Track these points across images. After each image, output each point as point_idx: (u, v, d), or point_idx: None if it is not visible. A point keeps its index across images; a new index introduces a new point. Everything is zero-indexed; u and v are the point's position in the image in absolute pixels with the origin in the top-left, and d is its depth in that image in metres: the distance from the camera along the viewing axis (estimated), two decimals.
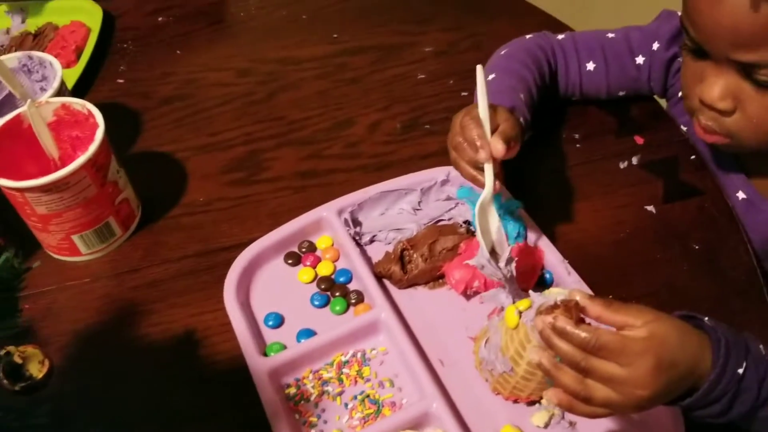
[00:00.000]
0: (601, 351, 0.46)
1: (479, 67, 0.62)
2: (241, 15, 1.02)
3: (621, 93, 0.80)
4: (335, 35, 0.96)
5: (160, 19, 1.03)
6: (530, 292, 0.54)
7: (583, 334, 0.46)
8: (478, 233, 0.60)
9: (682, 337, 0.47)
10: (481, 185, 0.61)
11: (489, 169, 0.60)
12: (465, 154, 0.62)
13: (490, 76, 0.75)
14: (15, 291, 0.52)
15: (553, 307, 0.48)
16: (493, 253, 0.61)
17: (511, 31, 0.83)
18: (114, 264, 0.73)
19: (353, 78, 0.90)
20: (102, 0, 1.02)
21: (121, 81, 0.94)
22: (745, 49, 0.57)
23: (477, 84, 0.61)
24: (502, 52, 0.79)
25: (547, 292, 0.52)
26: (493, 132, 0.60)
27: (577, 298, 0.48)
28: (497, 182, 0.60)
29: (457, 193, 0.72)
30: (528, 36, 0.81)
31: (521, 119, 0.70)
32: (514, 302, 0.57)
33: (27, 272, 0.53)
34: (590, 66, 0.79)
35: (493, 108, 0.62)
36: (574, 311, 0.47)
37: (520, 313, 0.52)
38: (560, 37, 0.81)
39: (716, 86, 0.61)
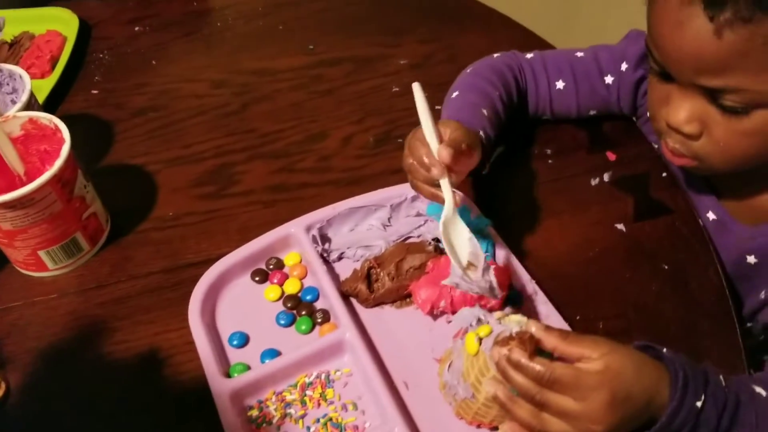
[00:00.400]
0: (555, 384, 0.45)
1: (416, 85, 0.62)
2: (218, 25, 1.02)
3: (592, 112, 0.80)
4: (311, 46, 0.95)
5: (136, 28, 1.02)
6: (489, 320, 0.53)
7: (538, 368, 0.45)
8: (448, 251, 0.59)
9: (639, 370, 0.47)
10: (442, 202, 0.60)
11: (445, 184, 0.60)
12: (419, 175, 0.62)
13: (453, 94, 0.75)
14: None
15: (509, 338, 0.48)
16: (470, 266, 0.60)
17: (486, 44, 0.83)
18: (81, 279, 0.72)
19: (328, 90, 0.89)
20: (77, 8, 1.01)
21: (95, 91, 0.93)
22: (709, 74, 0.56)
23: (416, 102, 0.61)
24: (468, 71, 0.79)
25: (506, 318, 0.52)
26: None
27: (533, 329, 0.47)
28: (457, 195, 0.60)
29: (427, 209, 0.71)
30: (496, 55, 0.80)
31: (481, 132, 0.69)
32: (484, 323, 0.56)
33: None
34: (560, 85, 0.78)
35: (445, 124, 0.62)
36: (529, 343, 0.47)
37: (480, 339, 0.51)
38: (529, 56, 0.80)
39: (682, 110, 0.60)
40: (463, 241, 0.60)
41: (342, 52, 0.94)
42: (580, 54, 0.79)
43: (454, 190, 0.60)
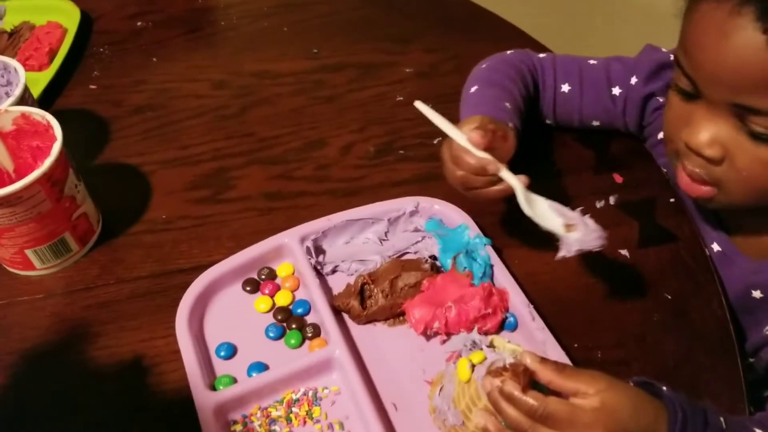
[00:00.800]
0: (548, 420, 0.44)
1: (418, 103, 0.63)
2: (222, 24, 1.00)
3: (595, 123, 0.78)
4: (315, 50, 0.94)
5: (139, 23, 1.00)
6: (483, 347, 0.51)
7: (531, 401, 0.44)
8: (547, 227, 0.58)
9: (636, 408, 0.45)
10: (510, 192, 0.60)
11: (504, 172, 0.59)
12: (477, 181, 0.61)
13: (472, 89, 0.74)
14: None
15: (503, 369, 0.46)
16: (569, 227, 0.58)
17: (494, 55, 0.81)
18: (68, 281, 0.71)
19: (329, 96, 0.87)
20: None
21: (93, 87, 0.91)
22: (749, 93, 0.52)
23: (429, 117, 0.61)
24: (483, 66, 0.77)
25: (501, 346, 0.50)
26: None
27: (527, 361, 0.45)
28: (521, 176, 0.60)
29: (426, 225, 0.69)
30: (509, 51, 0.79)
31: (510, 124, 0.68)
32: (479, 348, 0.54)
33: None
34: (565, 88, 0.76)
35: (467, 121, 0.62)
36: (523, 376, 0.45)
37: (473, 366, 0.50)
38: (541, 55, 0.79)
39: (705, 131, 0.56)
40: (547, 212, 0.59)
41: (346, 57, 0.92)
42: (592, 62, 0.77)
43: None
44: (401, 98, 0.86)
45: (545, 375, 0.45)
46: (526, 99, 0.74)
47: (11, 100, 0.73)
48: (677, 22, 0.60)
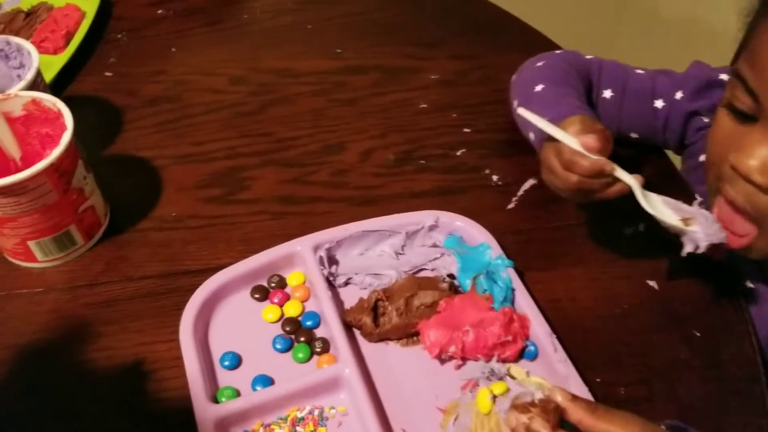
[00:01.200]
0: None
1: (521, 110, 0.63)
2: (244, 17, 0.97)
3: (633, 135, 0.75)
4: (338, 50, 0.91)
5: (159, 11, 0.98)
6: (506, 377, 0.49)
7: None
8: (669, 222, 0.57)
9: None
10: (626, 192, 0.59)
11: (619, 171, 0.58)
12: (594, 184, 0.59)
13: (538, 87, 0.71)
14: None
15: (530, 405, 0.43)
16: (686, 221, 0.57)
17: None
18: (71, 275, 0.68)
19: (350, 99, 0.84)
20: None
21: (109, 74, 0.89)
22: None
23: (533, 122, 0.61)
24: (539, 64, 0.75)
25: (519, 376, 0.47)
26: None
27: (559, 398, 0.42)
28: (636, 175, 0.59)
29: (445, 242, 0.67)
30: (558, 51, 0.78)
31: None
32: (498, 377, 0.51)
33: None
34: (607, 94, 0.74)
35: (568, 123, 0.61)
36: (554, 414, 0.42)
37: (495, 398, 0.47)
38: (588, 57, 0.77)
39: (758, 155, 0.52)
40: (664, 208, 0.59)
41: (369, 59, 0.89)
42: (639, 71, 0.74)
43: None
44: (425, 105, 0.83)
45: (576, 414, 0.42)
46: (588, 98, 0.73)
47: (22, 84, 0.70)
48: (713, 36, 0.57)
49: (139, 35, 0.94)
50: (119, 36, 0.94)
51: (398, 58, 0.89)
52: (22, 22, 0.95)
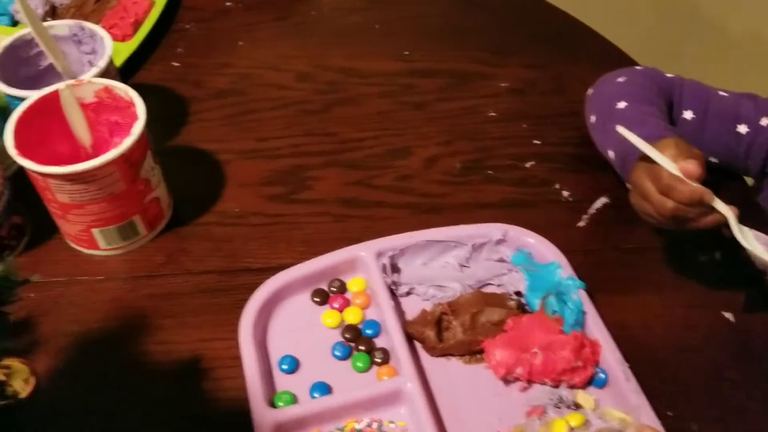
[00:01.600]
0: None
1: (620, 128, 0.60)
2: (312, 14, 0.96)
3: (713, 159, 0.72)
4: (406, 52, 0.89)
5: (228, 3, 0.97)
6: (585, 408, 0.47)
7: None
8: (766, 259, 0.56)
9: None
10: (721, 222, 0.57)
11: (716, 202, 0.56)
12: (691, 213, 0.57)
13: (620, 104, 0.69)
14: (6, 303, 0.47)
15: None
16: None
17: (598, 78, 0.75)
18: (132, 265, 0.68)
19: (418, 103, 0.83)
20: None
21: (176, 64, 0.89)
22: None
23: (632, 142, 0.58)
24: (620, 79, 0.72)
25: (606, 411, 0.45)
26: None
27: None
28: (732, 207, 0.57)
29: (513, 258, 0.65)
30: (637, 67, 0.76)
31: None
32: (566, 405, 0.49)
33: (23, 285, 0.48)
34: (687, 115, 0.71)
35: (662, 145, 0.58)
36: None
37: (572, 430, 0.45)
38: (669, 75, 0.74)
39: None
40: (757, 244, 0.57)
41: (438, 63, 0.88)
42: (722, 93, 0.71)
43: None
44: (494, 114, 0.81)
45: None
46: (670, 118, 0.70)
47: (95, 70, 0.70)
48: None
49: (207, 26, 0.94)
50: (187, 26, 0.94)
51: (467, 63, 0.88)
52: (93, 6, 0.95)
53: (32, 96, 0.66)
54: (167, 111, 0.83)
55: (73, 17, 0.92)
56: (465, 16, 0.95)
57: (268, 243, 0.69)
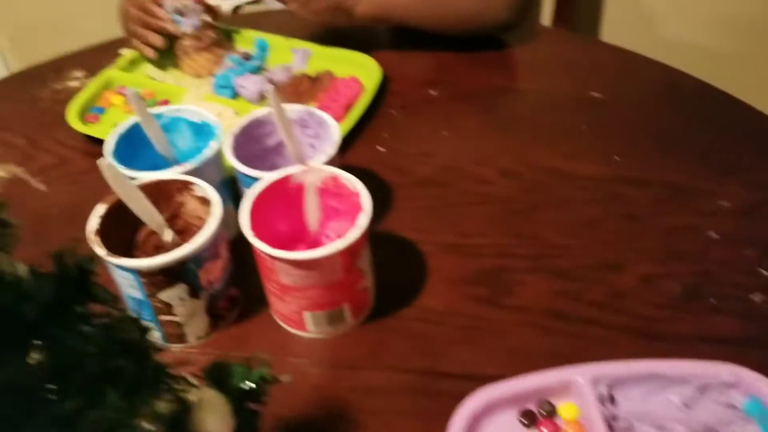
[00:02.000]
0: None
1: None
2: (517, 110, 0.96)
3: None
4: (617, 157, 0.86)
5: (431, 92, 0.99)
6: None
7: None
8: None
9: None
10: None
11: None
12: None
13: None
14: (259, 402, 0.48)
15: None
16: None
17: None
18: (335, 352, 0.68)
19: (630, 214, 0.79)
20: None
21: (381, 149, 0.91)
22: None
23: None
24: None
25: None
26: None
27: None
28: None
29: (745, 406, 0.59)
30: None
31: None
32: None
33: (275, 384, 0.49)
34: None
35: None
36: None
37: None
38: None
39: None
40: None
41: (651, 173, 0.84)
42: None
43: None
44: (716, 236, 0.76)
45: None
46: None
47: (324, 157, 0.73)
48: None
49: (411, 113, 0.96)
50: (392, 111, 0.97)
51: (682, 175, 0.83)
52: (307, 85, 1.00)
53: (267, 177, 0.69)
54: (372, 195, 0.84)
55: (288, 95, 0.97)
56: (678, 125, 0.90)
57: (471, 347, 0.68)
